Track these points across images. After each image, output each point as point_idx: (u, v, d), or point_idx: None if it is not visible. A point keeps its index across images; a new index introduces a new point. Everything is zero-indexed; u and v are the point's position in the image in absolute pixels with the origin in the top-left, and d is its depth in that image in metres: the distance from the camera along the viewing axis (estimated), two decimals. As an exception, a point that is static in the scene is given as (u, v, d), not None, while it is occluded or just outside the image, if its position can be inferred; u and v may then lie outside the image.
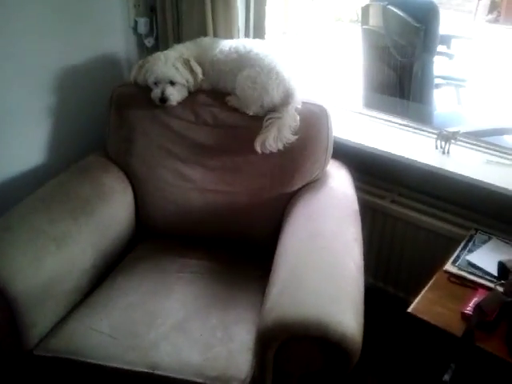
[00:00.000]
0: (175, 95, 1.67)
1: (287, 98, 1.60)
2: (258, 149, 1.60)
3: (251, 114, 1.64)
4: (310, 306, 1.15)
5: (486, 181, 1.61)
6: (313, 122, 1.63)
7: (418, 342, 1.45)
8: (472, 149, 1.80)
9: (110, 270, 1.60)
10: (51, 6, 1.74)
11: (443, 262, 1.48)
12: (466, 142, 1.81)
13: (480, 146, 1.81)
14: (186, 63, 1.67)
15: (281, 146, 1.60)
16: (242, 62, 1.64)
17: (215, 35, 1.87)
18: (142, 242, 1.74)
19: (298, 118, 1.60)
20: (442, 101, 2.57)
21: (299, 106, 1.62)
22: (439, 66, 2.44)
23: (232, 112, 1.68)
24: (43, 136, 1.87)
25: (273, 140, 1.58)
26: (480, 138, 1.83)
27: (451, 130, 1.76)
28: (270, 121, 1.60)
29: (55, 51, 1.81)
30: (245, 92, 1.61)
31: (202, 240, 1.73)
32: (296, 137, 1.60)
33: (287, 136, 1.59)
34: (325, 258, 1.32)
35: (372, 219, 1.88)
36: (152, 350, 1.27)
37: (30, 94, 1.78)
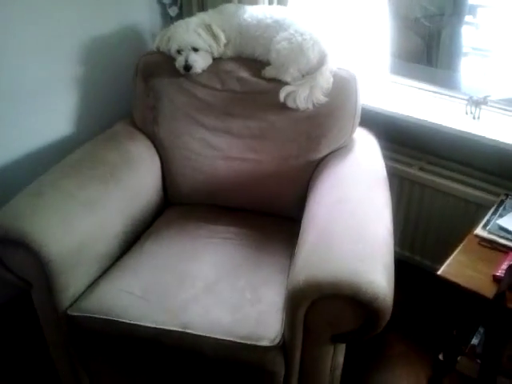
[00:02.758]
0: (199, 62, 1.67)
1: (322, 59, 1.59)
2: (282, 97, 1.59)
3: (289, 79, 1.61)
4: (341, 266, 1.15)
5: (518, 145, 1.58)
6: (341, 88, 1.61)
7: (445, 306, 1.44)
8: (503, 114, 1.76)
9: (139, 235, 1.62)
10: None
11: (472, 229, 1.46)
12: (497, 108, 1.77)
13: (511, 112, 1.76)
14: (208, 29, 1.66)
15: (311, 106, 1.59)
16: (276, 27, 1.63)
17: (239, 1, 1.85)
18: (169, 209, 1.76)
19: (332, 80, 1.59)
20: (470, 70, 2.51)
21: (334, 69, 1.60)
22: (466, 35, 2.37)
23: (259, 78, 1.67)
24: (71, 105, 1.89)
25: (304, 98, 1.57)
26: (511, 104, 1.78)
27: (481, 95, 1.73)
28: (303, 80, 1.59)
29: (79, 22, 1.81)
30: (280, 53, 1.60)
31: (228, 208, 1.74)
32: (327, 99, 1.58)
33: (318, 97, 1.58)
34: (354, 221, 1.31)
35: (399, 188, 1.87)
36: (182, 310, 1.29)
37: (57, 64, 1.79)
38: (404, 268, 1.86)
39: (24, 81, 1.71)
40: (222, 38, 1.67)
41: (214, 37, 1.67)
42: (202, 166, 1.73)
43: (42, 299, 1.38)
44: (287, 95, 1.59)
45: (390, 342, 1.76)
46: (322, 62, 1.59)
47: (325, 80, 1.58)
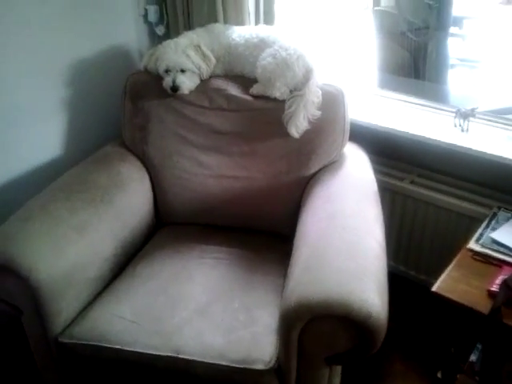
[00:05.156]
0: (187, 83, 1.67)
1: (308, 73, 1.59)
2: (295, 134, 1.59)
3: (278, 95, 1.61)
4: (333, 285, 1.13)
5: (508, 157, 1.57)
6: (329, 103, 1.61)
7: (442, 323, 1.43)
8: (492, 126, 1.76)
9: (130, 258, 1.61)
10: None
11: (466, 241, 1.46)
12: (485, 120, 1.78)
13: (499, 123, 1.77)
14: (198, 49, 1.66)
15: (306, 124, 1.59)
16: (262, 45, 1.65)
17: (225, 21, 1.86)
18: (160, 230, 1.74)
19: (320, 93, 1.59)
20: (457, 81, 2.53)
21: (320, 83, 1.61)
22: (453, 47, 2.39)
23: (247, 95, 1.68)
24: (60, 128, 1.88)
25: (303, 118, 1.57)
26: (499, 116, 1.79)
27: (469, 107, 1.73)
28: (292, 99, 1.59)
29: (67, 43, 1.81)
30: (266, 69, 1.60)
31: (220, 227, 1.73)
32: (320, 112, 1.59)
33: (313, 112, 1.58)
34: (346, 237, 1.30)
35: (392, 201, 1.87)
36: (175, 334, 1.28)
37: (44, 87, 1.78)
38: (399, 283, 1.86)
39: (12, 103, 1.70)
40: (213, 59, 1.68)
41: (204, 57, 1.67)
42: (193, 185, 1.73)
43: (32, 325, 1.36)
44: (288, 124, 1.59)
45: (387, 360, 1.74)
46: (308, 76, 1.59)
47: (314, 95, 1.59)
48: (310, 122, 1.59)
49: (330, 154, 1.65)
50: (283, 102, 1.62)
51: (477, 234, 1.47)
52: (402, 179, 1.84)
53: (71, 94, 1.87)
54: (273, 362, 1.21)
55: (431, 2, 2.10)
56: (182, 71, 1.65)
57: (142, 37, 2.07)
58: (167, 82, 1.66)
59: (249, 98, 1.68)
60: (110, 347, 1.27)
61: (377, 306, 1.10)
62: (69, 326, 1.36)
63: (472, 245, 1.43)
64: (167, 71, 1.66)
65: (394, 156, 1.92)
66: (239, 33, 1.72)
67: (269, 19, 1.91)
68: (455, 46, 2.45)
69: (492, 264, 1.37)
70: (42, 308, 1.30)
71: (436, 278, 1.33)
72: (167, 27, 2.08)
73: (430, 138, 1.72)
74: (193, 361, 1.22)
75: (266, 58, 1.62)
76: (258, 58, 1.65)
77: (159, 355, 1.24)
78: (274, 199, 1.68)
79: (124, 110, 1.76)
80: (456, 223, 1.73)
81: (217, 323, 1.30)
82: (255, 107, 1.66)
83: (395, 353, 1.76)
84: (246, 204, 1.71)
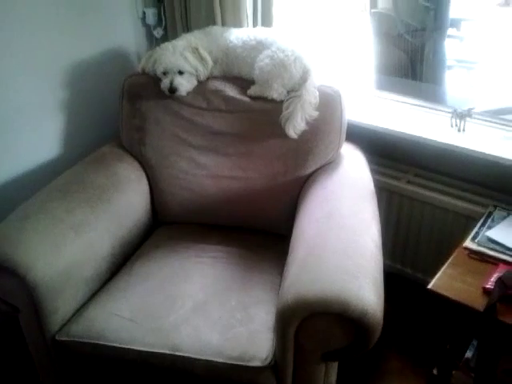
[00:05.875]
0: (184, 85, 1.68)
1: (305, 74, 1.60)
2: (293, 134, 1.59)
3: (275, 96, 1.62)
4: (329, 283, 1.14)
5: (504, 156, 1.58)
6: (326, 103, 1.62)
7: (438, 320, 1.44)
8: (488, 126, 1.77)
9: (127, 257, 1.61)
10: (60, 0, 1.75)
11: (462, 240, 1.46)
12: (482, 120, 1.79)
13: (495, 123, 1.78)
14: (195, 51, 1.67)
15: (304, 124, 1.60)
16: (259, 47, 1.66)
17: (223, 23, 1.87)
18: (158, 229, 1.75)
19: (318, 93, 1.60)
20: (455, 83, 2.54)
21: (317, 84, 1.62)
22: (450, 48, 2.40)
23: (245, 96, 1.68)
24: (58, 129, 1.89)
25: (301, 119, 1.58)
26: (495, 116, 1.80)
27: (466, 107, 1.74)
28: (289, 100, 1.60)
29: (65, 46, 1.82)
30: (263, 70, 1.61)
31: (217, 227, 1.73)
32: (318, 112, 1.60)
33: (310, 112, 1.59)
34: (342, 236, 1.31)
35: (388, 201, 1.87)
36: (172, 332, 1.28)
37: (42, 89, 1.80)
38: (396, 281, 1.86)
39: (10, 104, 1.71)
40: (210, 62, 1.69)
41: (201, 60, 1.68)
42: (191, 185, 1.73)
43: (29, 324, 1.36)
44: (285, 125, 1.60)
45: (384, 357, 1.75)
46: (305, 77, 1.61)
47: (311, 95, 1.60)
48: (307, 123, 1.60)
49: (326, 154, 1.66)
50: (281, 103, 1.63)
51: (473, 233, 1.48)
52: (398, 179, 1.85)
53: (69, 96, 1.88)
54: (269, 358, 1.21)
55: (428, 4, 2.12)
56: (180, 73, 1.66)
57: (140, 39, 2.08)
58: (165, 83, 1.67)
59: (246, 99, 1.68)
60: (107, 345, 1.28)
61: (373, 304, 1.11)
62: (66, 324, 1.36)
63: (468, 243, 1.44)
64: (165, 73, 1.67)
65: (390, 156, 1.92)
66: (237, 35, 1.73)
67: (267, 21, 1.92)
68: (453, 47, 2.46)
69: (488, 262, 1.37)
70: (39, 306, 1.31)
71: (432, 277, 1.34)
72: (165, 30, 2.09)
73: (426, 138, 1.73)
74: (190, 358, 1.23)
75: (263, 60, 1.63)
76: (255, 60, 1.66)
77: (156, 353, 1.24)
78: (271, 199, 1.69)
79: (122, 111, 1.77)
80: (452, 222, 1.74)
81: (214, 321, 1.31)
82: (253, 108, 1.67)
83: (392, 350, 1.77)
84: (243, 204, 1.72)
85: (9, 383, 1.71)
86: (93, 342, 1.29)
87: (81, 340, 1.30)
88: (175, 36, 1.91)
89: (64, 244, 1.38)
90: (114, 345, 1.27)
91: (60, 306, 1.35)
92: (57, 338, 1.33)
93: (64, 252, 1.37)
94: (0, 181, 1.76)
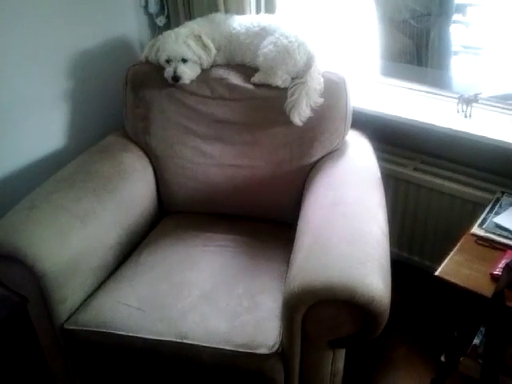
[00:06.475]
0: (188, 73, 1.66)
1: (309, 61, 1.59)
2: (298, 122, 1.59)
3: (279, 83, 1.61)
4: (336, 270, 1.14)
5: (511, 142, 1.57)
6: (331, 90, 1.61)
7: (445, 307, 1.43)
8: (495, 111, 1.76)
9: (134, 246, 1.62)
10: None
11: (469, 227, 1.45)
12: (488, 105, 1.77)
13: (502, 109, 1.76)
14: (198, 39, 1.66)
15: (309, 111, 1.59)
16: (263, 33, 1.64)
17: (226, 10, 1.85)
18: (164, 219, 1.75)
19: (322, 80, 1.59)
20: (461, 68, 2.52)
21: (322, 70, 1.61)
22: (456, 34, 2.38)
23: (249, 84, 1.67)
24: (62, 120, 1.89)
25: (306, 106, 1.57)
26: (502, 101, 1.78)
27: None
28: (294, 87, 1.59)
29: (68, 35, 1.81)
30: (267, 57, 1.60)
31: (224, 216, 1.73)
32: (322, 99, 1.58)
33: (315, 99, 1.58)
34: (349, 223, 1.31)
35: (395, 188, 1.86)
36: (180, 320, 1.29)
37: (45, 79, 1.79)
38: (403, 269, 1.86)
39: (14, 95, 1.70)
40: (213, 49, 1.68)
41: (204, 47, 1.67)
42: (196, 174, 1.73)
43: (38, 313, 1.37)
44: (291, 112, 1.59)
45: (391, 344, 1.75)
46: (309, 63, 1.59)
47: (316, 82, 1.58)
48: (312, 110, 1.59)
49: (332, 141, 1.65)
50: (285, 90, 1.62)
51: (480, 219, 1.47)
52: (405, 166, 1.84)
53: (73, 85, 1.88)
54: (276, 346, 1.21)
55: (433, -12, 2.09)
56: (183, 61, 1.65)
57: (142, 28, 2.07)
58: (168, 72, 1.66)
59: (250, 86, 1.67)
60: (115, 333, 1.28)
61: (379, 290, 1.11)
62: (74, 313, 1.37)
63: (475, 229, 1.43)
64: (168, 61, 1.66)
65: (396, 143, 1.91)
66: (240, 22, 1.71)
67: (270, 8, 1.90)
68: (459, 32, 2.44)
69: (495, 248, 1.36)
70: (47, 296, 1.32)
71: (440, 264, 1.33)
72: (168, 18, 2.08)
73: (433, 124, 1.71)
74: (197, 346, 1.23)
75: (267, 46, 1.61)
76: (259, 47, 1.64)
77: (164, 340, 1.25)
78: (276, 187, 1.68)
79: (126, 101, 1.76)
80: (459, 209, 1.73)
81: (221, 309, 1.31)
82: (257, 96, 1.66)
83: (399, 337, 1.77)
84: (249, 192, 1.71)
85: (18, 372, 1.73)
86: (101, 330, 1.30)
87: (89, 329, 1.31)
88: (178, 24, 1.90)
89: (70, 234, 1.38)
90: (122, 333, 1.28)
91: (68, 295, 1.36)
92: (65, 326, 1.34)
93: (71, 241, 1.37)
94: (5, 171, 1.76)
